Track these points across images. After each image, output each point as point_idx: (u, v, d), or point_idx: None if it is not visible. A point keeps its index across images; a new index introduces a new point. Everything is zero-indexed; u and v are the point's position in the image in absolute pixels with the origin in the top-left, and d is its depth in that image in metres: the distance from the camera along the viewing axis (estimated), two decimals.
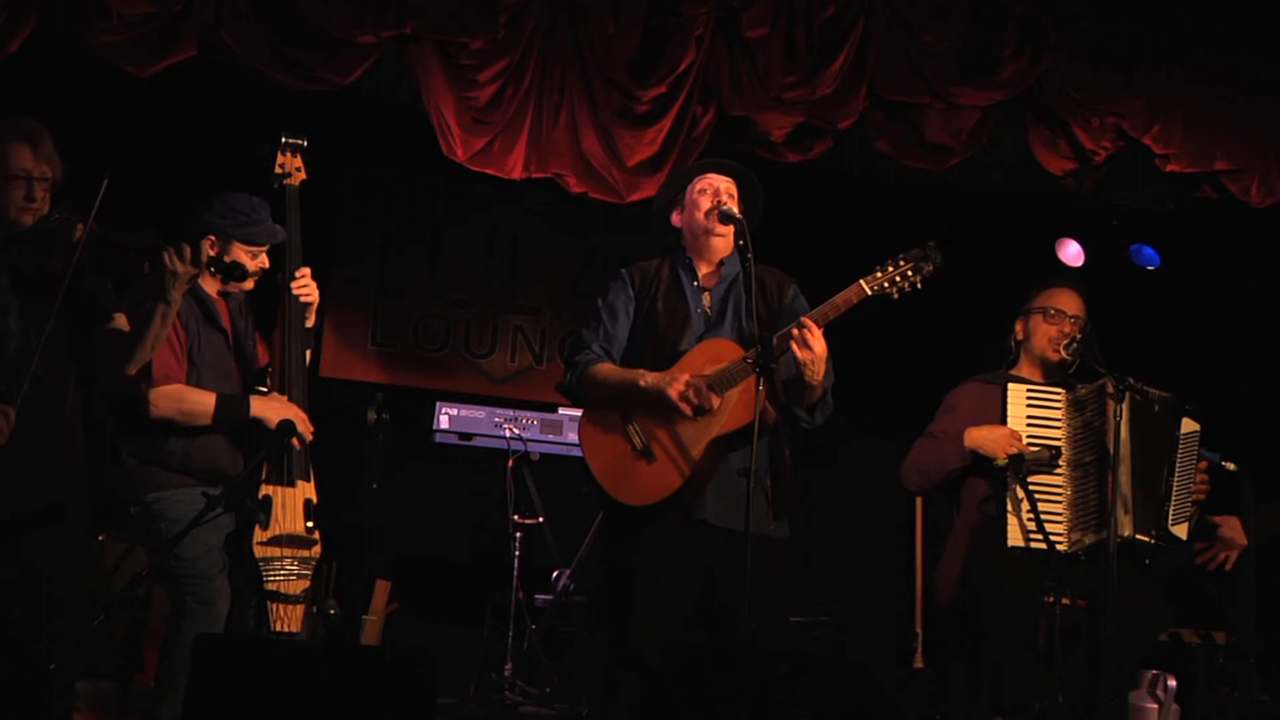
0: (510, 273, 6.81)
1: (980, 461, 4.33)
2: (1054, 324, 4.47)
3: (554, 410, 6.15)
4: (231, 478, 3.84)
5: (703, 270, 3.99)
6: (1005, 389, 4.40)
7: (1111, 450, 4.20)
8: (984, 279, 5.71)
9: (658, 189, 4.31)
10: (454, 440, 6.12)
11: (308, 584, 3.94)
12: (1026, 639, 4.21)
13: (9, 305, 3.54)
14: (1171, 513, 4.28)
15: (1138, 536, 4.22)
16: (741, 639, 3.50)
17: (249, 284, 4.06)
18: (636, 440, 3.75)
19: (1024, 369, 4.55)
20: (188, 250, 3.67)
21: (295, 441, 3.92)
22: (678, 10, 4.96)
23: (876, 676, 3.58)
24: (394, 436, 4.43)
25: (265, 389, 4.03)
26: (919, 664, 4.94)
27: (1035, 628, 4.23)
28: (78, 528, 3.72)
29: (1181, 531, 4.32)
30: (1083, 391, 4.38)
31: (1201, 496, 4.40)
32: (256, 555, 3.85)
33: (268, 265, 4.08)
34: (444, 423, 6.09)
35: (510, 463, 5.79)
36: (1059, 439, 4.34)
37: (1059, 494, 4.30)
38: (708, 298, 3.95)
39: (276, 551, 3.89)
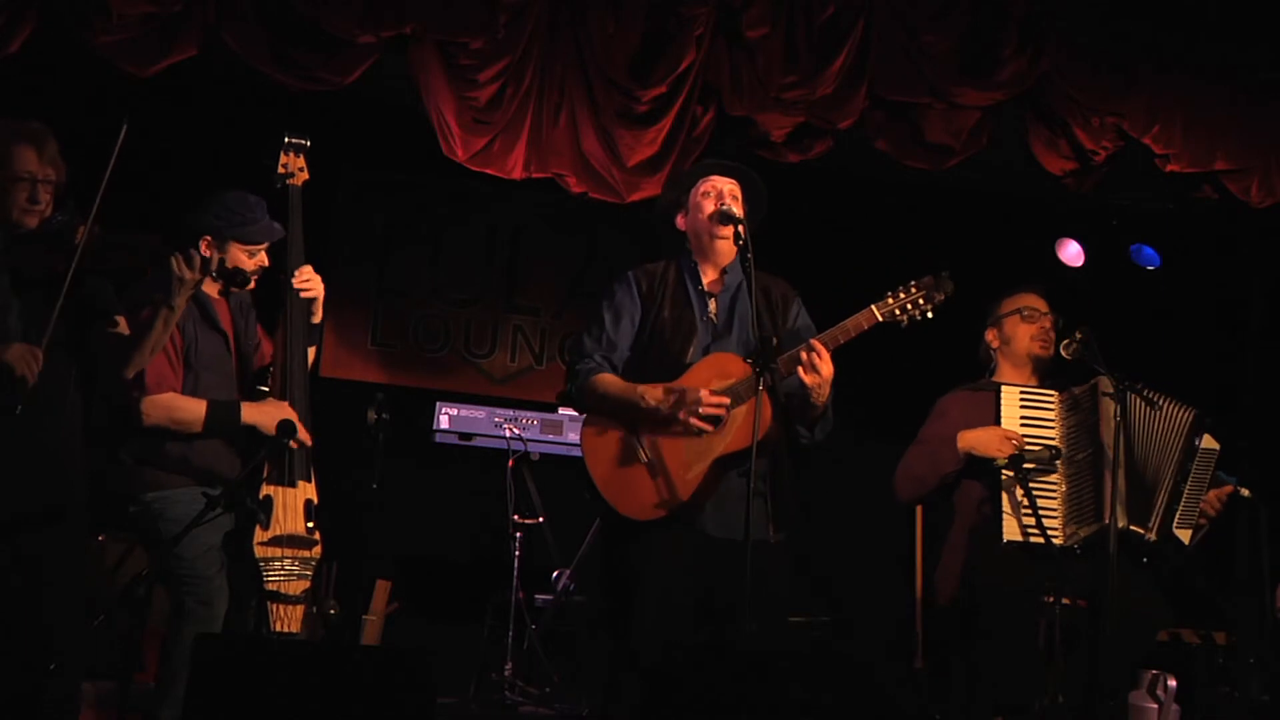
0: (510, 273, 6.80)
1: (975, 463, 4.35)
2: (1033, 322, 4.54)
3: (554, 410, 6.14)
4: (229, 480, 3.83)
5: (709, 275, 3.93)
6: (999, 393, 4.43)
7: (1109, 448, 4.22)
8: (984, 279, 5.69)
9: (658, 189, 4.29)
10: (454, 440, 6.12)
11: (308, 584, 3.94)
12: (1026, 638, 4.22)
13: (10, 306, 3.54)
14: (1179, 516, 4.32)
15: (1132, 527, 4.25)
16: (742, 639, 3.49)
17: (250, 284, 4.05)
18: (640, 454, 3.72)
19: (1006, 374, 4.58)
20: (196, 257, 3.67)
21: (293, 443, 3.92)
22: (678, 10, 4.97)
23: (877, 676, 3.57)
24: (394, 436, 4.42)
25: (267, 389, 4.03)
26: (919, 663, 4.93)
27: (1035, 627, 4.25)
28: (78, 528, 3.72)
29: (1184, 536, 4.36)
30: (1077, 392, 4.43)
31: (1212, 513, 4.44)
32: (257, 555, 3.84)
33: (267, 263, 4.08)
34: (444, 423, 6.09)
35: (510, 463, 5.78)
36: (1053, 439, 4.37)
37: (1053, 490, 4.34)
38: (714, 304, 3.90)
39: (277, 551, 3.88)
